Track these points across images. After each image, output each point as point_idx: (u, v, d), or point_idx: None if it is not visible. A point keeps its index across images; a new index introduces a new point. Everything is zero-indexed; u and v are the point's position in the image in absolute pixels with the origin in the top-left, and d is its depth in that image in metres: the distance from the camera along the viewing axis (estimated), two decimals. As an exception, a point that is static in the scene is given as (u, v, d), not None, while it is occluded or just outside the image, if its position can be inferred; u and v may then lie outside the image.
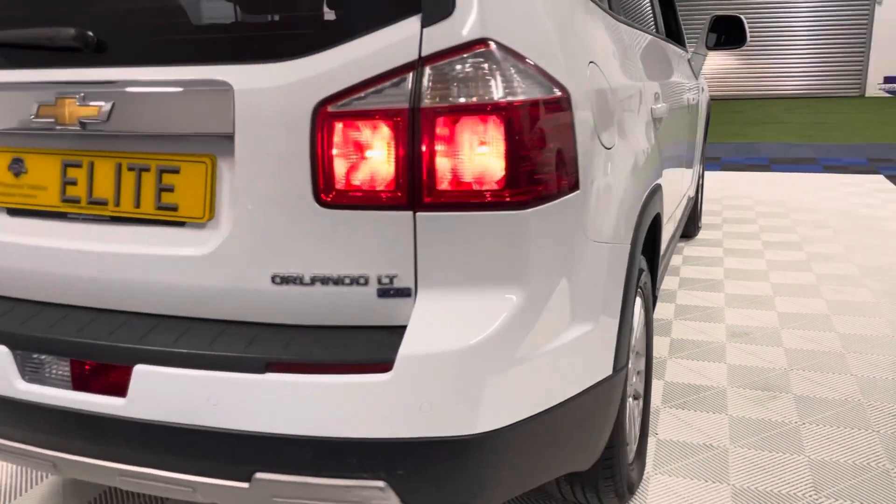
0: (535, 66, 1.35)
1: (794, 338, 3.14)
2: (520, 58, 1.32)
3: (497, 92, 1.28)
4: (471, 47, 1.28)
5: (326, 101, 1.29)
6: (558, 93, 1.37)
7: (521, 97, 1.29)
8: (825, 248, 4.48)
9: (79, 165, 1.48)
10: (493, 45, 1.29)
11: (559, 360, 1.42)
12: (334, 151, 1.30)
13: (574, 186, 1.41)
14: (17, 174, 1.54)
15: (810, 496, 2.06)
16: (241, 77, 1.33)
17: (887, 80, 15.30)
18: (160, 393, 1.37)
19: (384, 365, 1.30)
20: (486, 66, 1.28)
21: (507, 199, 1.30)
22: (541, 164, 1.32)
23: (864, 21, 15.10)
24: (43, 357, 1.48)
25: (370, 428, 1.30)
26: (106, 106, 1.39)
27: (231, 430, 1.35)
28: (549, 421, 1.43)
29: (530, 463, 1.44)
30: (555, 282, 1.39)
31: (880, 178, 6.85)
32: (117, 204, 1.46)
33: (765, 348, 3.03)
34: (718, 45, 3.97)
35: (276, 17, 1.37)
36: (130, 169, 1.44)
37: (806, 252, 4.41)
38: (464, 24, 1.28)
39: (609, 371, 1.59)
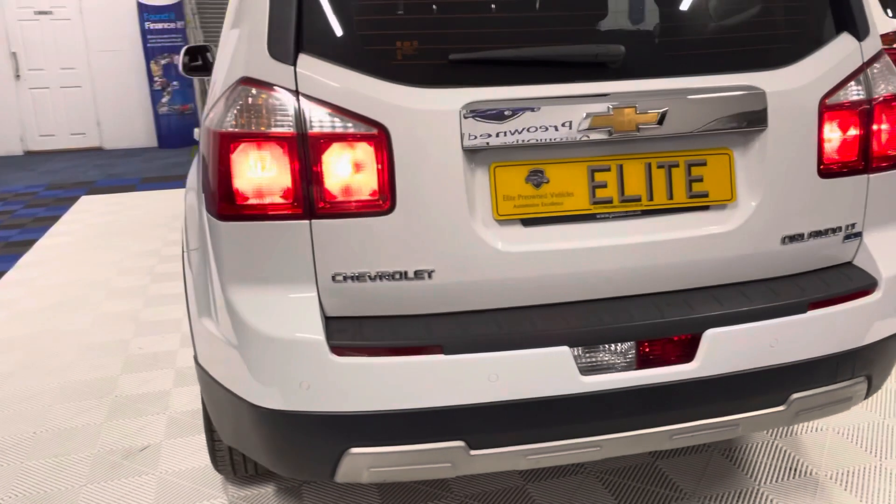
0: None
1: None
2: None
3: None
4: (878, 57, 1.82)
5: (825, 95, 1.72)
6: None
7: None
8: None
9: (606, 170, 1.62)
10: (884, 56, 1.84)
11: None
12: (829, 134, 1.73)
13: None
14: (536, 185, 1.60)
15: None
16: (769, 81, 1.66)
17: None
18: (728, 349, 1.65)
19: (870, 289, 1.78)
20: (890, 68, 1.83)
21: None
22: None
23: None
24: (602, 347, 1.60)
25: (869, 335, 1.77)
26: (660, 112, 1.59)
27: (778, 365, 1.69)
28: None
29: None
30: None
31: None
32: (650, 199, 1.65)
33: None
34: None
35: (779, 31, 1.73)
36: (660, 167, 1.65)
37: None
38: (874, 41, 1.81)
39: None
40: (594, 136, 1.57)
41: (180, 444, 2.59)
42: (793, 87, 1.69)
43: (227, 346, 1.65)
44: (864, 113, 1.77)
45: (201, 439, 2.61)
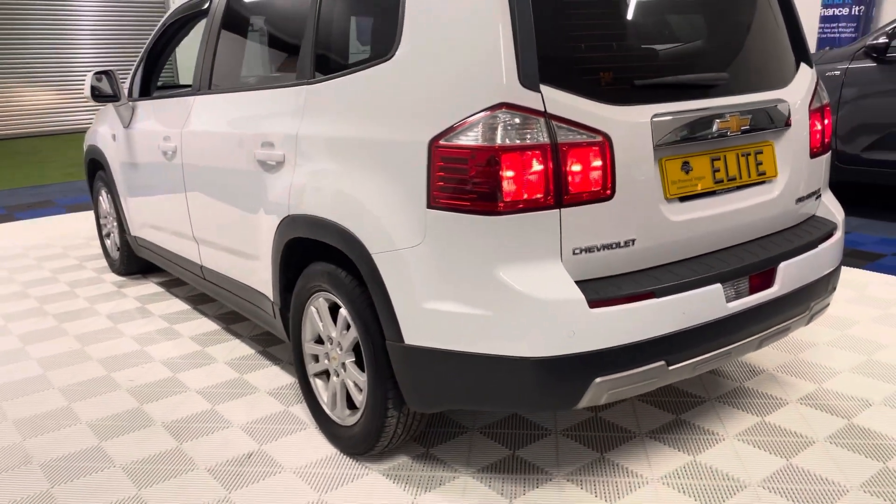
0: None
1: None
2: None
3: None
4: (819, 79, 2.78)
5: (809, 104, 2.62)
6: None
7: None
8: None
9: (719, 159, 2.34)
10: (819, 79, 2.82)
11: None
12: (813, 130, 2.64)
13: None
14: (686, 172, 2.26)
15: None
16: (787, 95, 2.51)
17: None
18: (791, 275, 2.47)
19: (834, 231, 2.73)
20: (822, 86, 2.80)
21: None
22: None
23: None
24: (732, 282, 2.32)
25: (836, 260, 2.72)
26: (747, 118, 2.35)
27: (809, 283, 2.56)
28: None
29: None
30: None
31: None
32: (740, 177, 2.40)
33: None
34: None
35: (783, 59, 2.58)
36: (743, 155, 2.41)
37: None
38: (814, 68, 2.77)
39: None
40: (718, 134, 2.28)
41: (285, 445, 2.75)
42: (799, 98, 2.57)
43: (483, 319, 2.06)
44: (821, 115, 2.71)
45: (299, 437, 2.79)
